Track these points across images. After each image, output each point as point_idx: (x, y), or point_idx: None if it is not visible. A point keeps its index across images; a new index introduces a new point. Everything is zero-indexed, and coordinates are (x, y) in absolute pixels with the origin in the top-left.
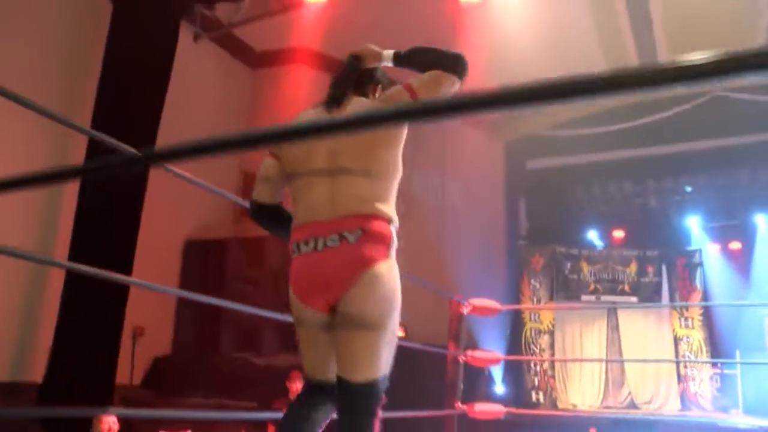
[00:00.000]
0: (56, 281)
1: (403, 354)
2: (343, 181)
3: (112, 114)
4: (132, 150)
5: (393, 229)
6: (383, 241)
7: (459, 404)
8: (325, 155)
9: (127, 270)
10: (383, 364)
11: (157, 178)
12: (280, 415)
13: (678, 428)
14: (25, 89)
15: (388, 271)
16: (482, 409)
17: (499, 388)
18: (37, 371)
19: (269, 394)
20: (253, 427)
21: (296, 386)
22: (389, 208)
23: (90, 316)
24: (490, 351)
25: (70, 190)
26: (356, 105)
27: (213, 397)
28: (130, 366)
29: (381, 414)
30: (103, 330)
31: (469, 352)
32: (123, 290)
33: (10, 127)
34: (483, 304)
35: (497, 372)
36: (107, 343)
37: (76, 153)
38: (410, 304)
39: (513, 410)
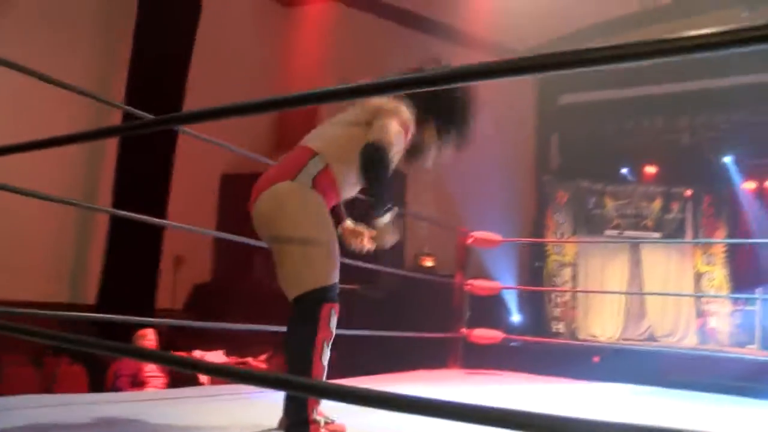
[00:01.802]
0: (103, 218)
1: (418, 283)
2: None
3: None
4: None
5: (316, 160)
6: (293, 166)
7: (464, 330)
8: None
9: (163, 206)
10: (302, 280)
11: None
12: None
13: (685, 360)
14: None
15: (285, 190)
16: (481, 334)
17: (516, 318)
18: (90, 294)
19: None
20: (278, 346)
21: None
22: (328, 145)
23: (132, 248)
24: (492, 281)
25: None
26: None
27: (248, 320)
28: (172, 292)
29: (326, 331)
30: (144, 260)
31: (470, 281)
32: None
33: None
34: (484, 236)
35: (512, 302)
36: (148, 270)
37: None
38: (434, 237)
39: (512, 336)
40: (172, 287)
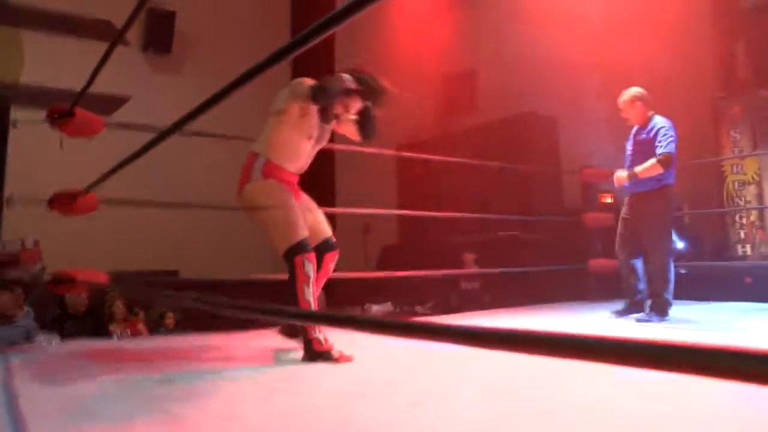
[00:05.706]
0: None
1: (573, 223)
2: None
3: None
4: None
5: (259, 161)
6: (246, 172)
7: (593, 261)
8: None
9: None
10: (277, 245)
11: None
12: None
13: None
14: None
15: (246, 191)
16: (597, 263)
17: (680, 245)
18: None
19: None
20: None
21: (467, 258)
22: (264, 144)
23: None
24: (606, 214)
25: None
26: None
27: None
28: (363, 255)
29: (303, 276)
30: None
31: (586, 216)
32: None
33: None
34: (594, 171)
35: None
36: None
37: None
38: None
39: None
40: (364, 250)
